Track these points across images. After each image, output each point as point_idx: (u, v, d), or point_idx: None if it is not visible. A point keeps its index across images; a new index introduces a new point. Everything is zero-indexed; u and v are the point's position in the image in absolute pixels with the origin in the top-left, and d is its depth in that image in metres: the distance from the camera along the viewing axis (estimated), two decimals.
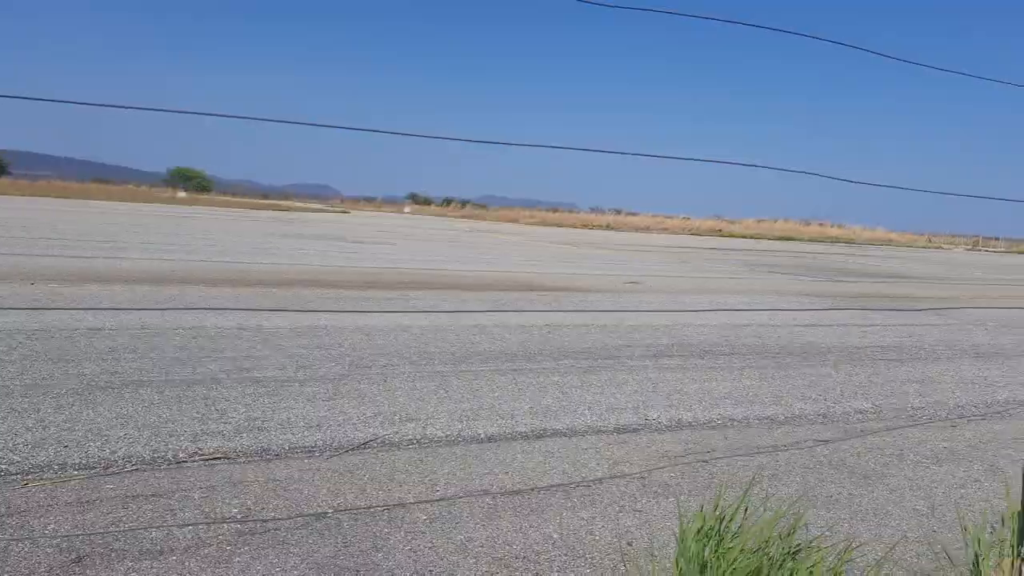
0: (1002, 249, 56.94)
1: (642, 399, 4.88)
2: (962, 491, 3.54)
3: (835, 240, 52.15)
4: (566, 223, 57.52)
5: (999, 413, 5.09)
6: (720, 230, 55.48)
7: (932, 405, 5.19)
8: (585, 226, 54.85)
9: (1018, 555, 1.98)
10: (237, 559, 2.46)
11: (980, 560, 2.18)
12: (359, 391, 4.61)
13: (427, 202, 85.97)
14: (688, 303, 10.65)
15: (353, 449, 3.59)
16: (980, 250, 55.31)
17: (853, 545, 2.38)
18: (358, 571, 2.43)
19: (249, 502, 2.92)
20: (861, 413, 4.88)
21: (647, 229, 54.36)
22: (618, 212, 71.43)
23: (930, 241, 61.04)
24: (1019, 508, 2.02)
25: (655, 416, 4.51)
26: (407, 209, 70.73)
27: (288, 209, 51.27)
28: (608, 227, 54.97)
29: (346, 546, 2.60)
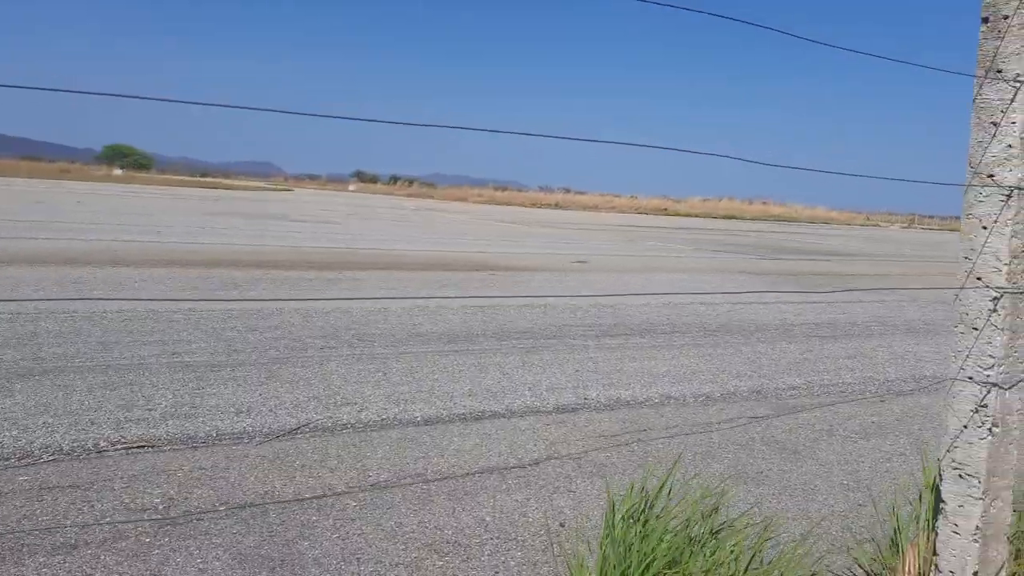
0: (936, 227, 58.74)
1: (582, 378, 4.89)
2: (888, 464, 3.62)
3: (778, 219, 53.15)
4: (515, 202, 57.45)
5: (927, 387, 5.24)
6: (666, 209, 56.00)
7: (863, 380, 5.32)
8: (534, 205, 54.87)
9: (933, 529, 2.03)
10: (155, 552, 2.39)
11: (898, 534, 2.22)
12: (293, 375, 4.52)
13: (374, 180, 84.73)
14: (632, 282, 10.73)
15: (284, 435, 3.52)
16: (915, 228, 57.00)
17: (774, 523, 2.40)
18: (283, 561, 2.38)
19: (172, 492, 2.83)
20: (794, 389, 4.97)
21: (595, 208, 54.65)
22: (567, 191, 71.53)
23: (868, 219, 62.62)
24: (933, 483, 2.07)
25: (594, 395, 4.52)
26: (352, 187, 69.78)
27: (229, 187, 50.17)
28: (557, 206, 55.09)
29: (271, 535, 2.54)
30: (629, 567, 1.77)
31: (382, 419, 3.83)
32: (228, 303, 6.73)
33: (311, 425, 3.67)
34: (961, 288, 1.94)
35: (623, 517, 1.93)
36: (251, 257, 10.73)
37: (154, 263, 9.34)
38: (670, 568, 1.79)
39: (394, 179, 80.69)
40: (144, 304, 6.42)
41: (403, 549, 2.50)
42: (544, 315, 7.20)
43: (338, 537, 2.55)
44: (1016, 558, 2.08)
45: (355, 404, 4.03)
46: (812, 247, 23.04)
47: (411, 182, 77.71)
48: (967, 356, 1.92)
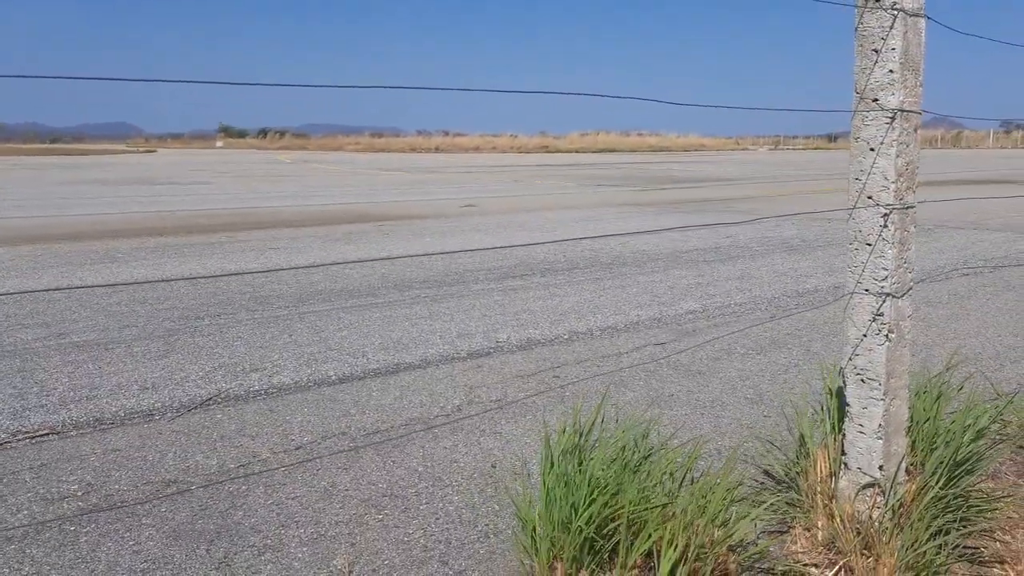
0: (800, 147, 61.72)
1: (491, 322, 4.96)
2: (785, 376, 3.87)
3: (653, 149, 54.46)
4: (393, 148, 56.51)
5: (812, 301, 5.58)
6: (547, 147, 56.41)
7: (753, 300, 5.61)
8: (413, 150, 54.12)
9: (840, 431, 2.20)
10: (84, 539, 2.31)
11: (806, 439, 2.40)
12: (194, 345, 4.38)
13: (242, 135, 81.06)
14: (525, 221, 10.83)
15: (196, 408, 3.42)
16: (782, 149, 59.71)
17: (701, 442, 2.56)
18: (219, 533, 2.35)
19: (88, 477, 2.73)
20: (691, 313, 5.20)
21: (477, 150, 54.43)
22: (446, 134, 70.82)
23: (738, 144, 65.07)
24: (836, 389, 2.24)
25: (505, 337, 4.60)
26: (220, 143, 66.74)
27: (86, 152, 46.99)
28: (437, 150, 54.54)
29: (203, 509, 2.49)
30: (574, 498, 1.85)
31: (295, 382, 3.78)
32: (110, 275, 6.39)
33: (223, 395, 3.58)
34: (854, 207, 2.08)
35: (562, 452, 2.00)
36: (126, 226, 10.18)
37: (17, 240, 8.72)
38: (613, 495, 1.88)
39: (264, 132, 77.63)
40: (17, 283, 6.02)
41: (340, 508, 2.51)
42: (443, 262, 7.20)
43: (272, 503, 2.54)
44: (912, 449, 2.29)
45: (264, 369, 3.95)
46: (690, 175, 23.81)
47: (282, 134, 74.98)
48: (863, 270, 2.07)
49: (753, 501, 2.25)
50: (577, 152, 49.95)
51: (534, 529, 1.87)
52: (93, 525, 2.39)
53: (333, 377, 3.86)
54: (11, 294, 5.69)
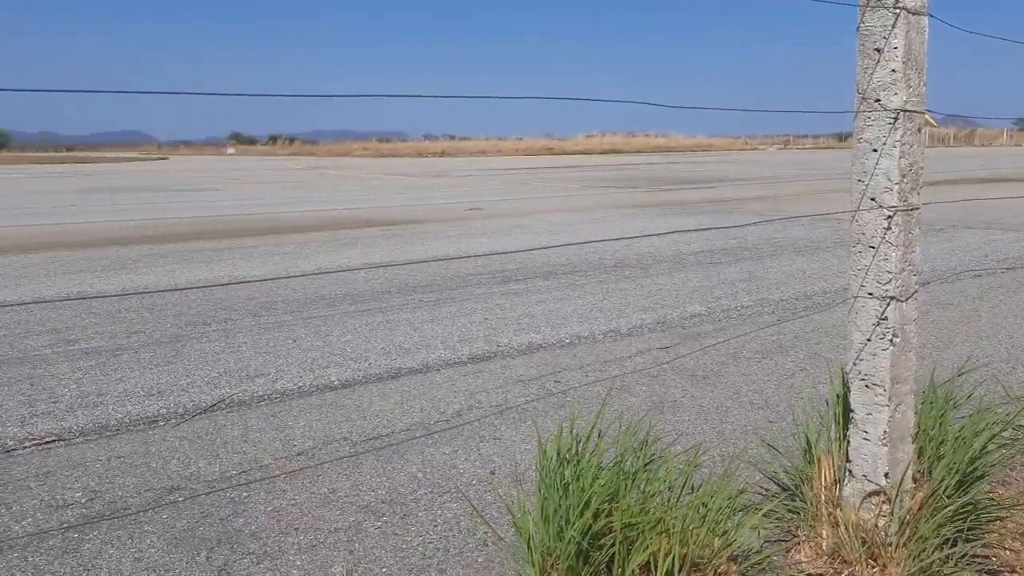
0: (810, 146, 61.50)
1: (492, 326, 4.94)
2: (791, 380, 3.84)
3: (660, 150, 54.35)
4: (400, 153, 56.68)
5: (819, 303, 5.54)
6: (552, 149, 56.43)
7: (759, 302, 5.58)
8: (420, 154, 54.25)
9: (845, 438, 2.18)
10: (87, 546, 2.30)
11: (811, 446, 2.38)
12: (200, 351, 4.38)
13: (252, 141, 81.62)
14: (529, 224, 10.82)
15: (201, 414, 3.42)
16: (791, 149, 59.52)
17: (701, 450, 2.54)
18: (219, 540, 2.34)
19: (92, 483, 2.73)
20: (696, 317, 5.17)
21: (483, 153, 54.49)
22: (452, 138, 71.01)
23: (746, 144, 64.90)
24: (841, 395, 2.21)
25: (506, 342, 4.58)
26: (231, 151, 67.09)
27: (99, 161, 47.27)
28: (443, 154, 54.65)
29: (204, 516, 2.49)
30: (569, 507, 1.83)
31: (298, 387, 3.77)
32: (120, 282, 6.41)
33: (227, 400, 3.58)
34: (857, 210, 2.06)
35: (556, 458, 1.98)
36: (137, 232, 10.22)
37: (34, 247, 8.77)
38: (609, 503, 1.86)
39: (273, 139, 78.15)
40: (29, 291, 6.04)
41: (339, 515, 2.50)
42: (446, 266, 7.19)
43: (272, 510, 2.53)
44: (919, 456, 2.26)
45: (268, 374, 3.95)
46: (697, 175, 23.73)
47: (292, 140, 75.44)
48: (867, 273, 2.04)
49: (756, 509, 2.22)
50: (583, 154, 49.91)
51: (529, 538, 1.85)
52: (96, 532, 2.39)
53: (336, 382, 3.85)
54: (25, 304, 5.72)
